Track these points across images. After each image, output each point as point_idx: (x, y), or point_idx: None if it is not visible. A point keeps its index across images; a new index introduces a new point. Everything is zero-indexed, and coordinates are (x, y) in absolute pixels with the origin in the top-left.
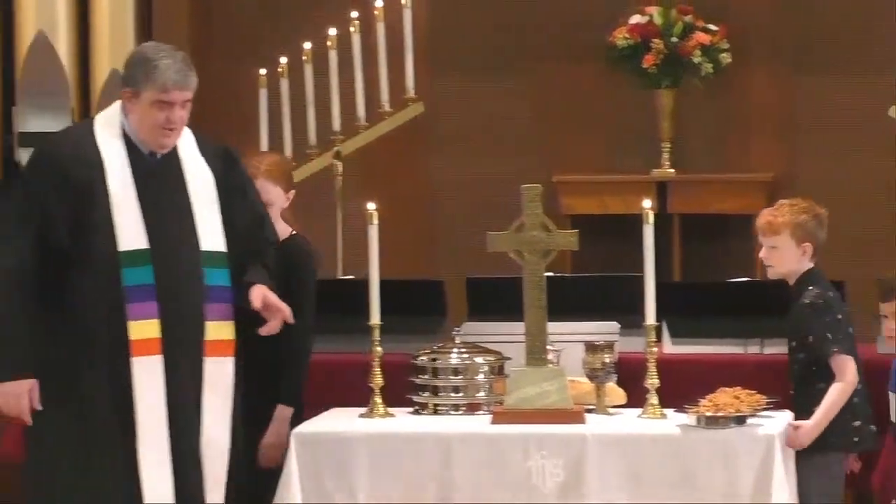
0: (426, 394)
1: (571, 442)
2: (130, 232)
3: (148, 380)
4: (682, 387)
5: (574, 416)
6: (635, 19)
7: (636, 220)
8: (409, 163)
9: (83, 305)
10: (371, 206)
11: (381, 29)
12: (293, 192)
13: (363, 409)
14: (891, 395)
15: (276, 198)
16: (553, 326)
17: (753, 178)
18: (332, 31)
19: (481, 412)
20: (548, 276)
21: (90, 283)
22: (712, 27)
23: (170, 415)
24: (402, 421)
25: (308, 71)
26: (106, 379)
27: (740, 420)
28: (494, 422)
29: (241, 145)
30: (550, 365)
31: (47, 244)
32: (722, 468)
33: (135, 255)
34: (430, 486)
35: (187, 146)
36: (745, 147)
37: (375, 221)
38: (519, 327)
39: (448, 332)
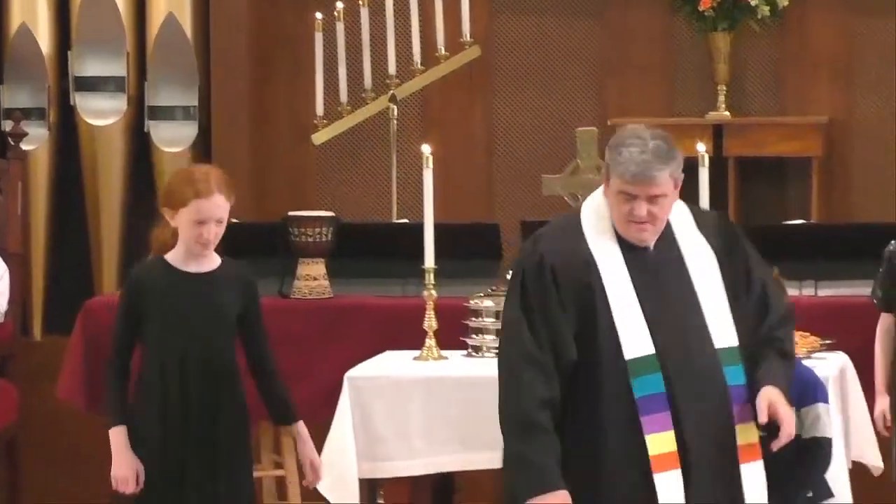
0: (480, 336)
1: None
2: (634, 337)
3: (671, 497)
4: None
5: None
6: None
7: (692, 163)
8: (465, 106)
9: (594, 419)
10: (426, 149)
11: None
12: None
13: (417, 353)
14: (821, 406)
15: (227, 215)
16: None
17: (809, 120)
18: None
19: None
20: None
21: (600, 395)
22: None
23: None
24: (456, 363)
25: (364, 14)
26: (620, 496)
27: None
28: None
29: (299, 90)
30: None
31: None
32: None
33: (642, 363)
34: (485, 428)
35: (684, 226)
36: (801, 90)
37: (430, 165)
38: None
39: (503, 276)
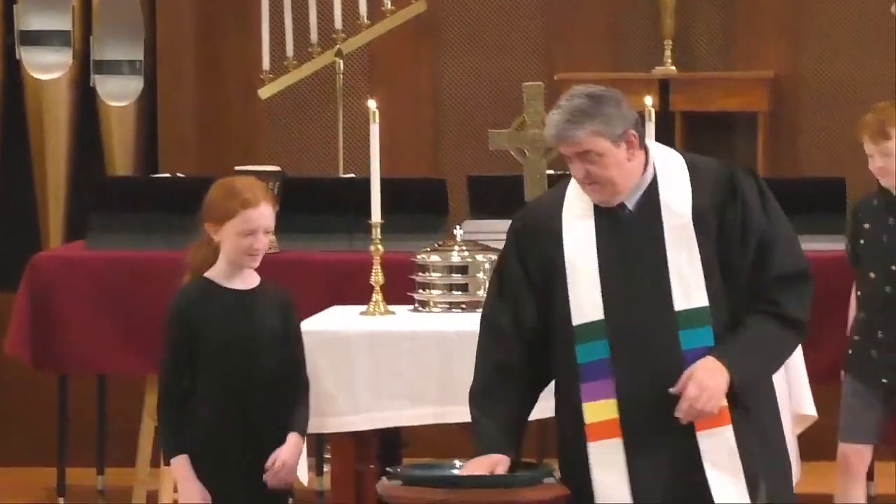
0: (427, 291)
1: None
2: (584, 303)
3: (607, 466)
4: None
5: None
6: None
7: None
8: (412, 61)
9: (557, 388)
10: (372, 104)
11: None
12: None
13: (364, 307)
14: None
15: (273, 225)
16: None
17: (755, 75)
18: None
19: (481, 310)
20: (549, 174)
21: (556, 363)
22: None
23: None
24: (403, 318)
25: None
26: (576, 465)
27: None
28: None
29: (246, 44)
30: None
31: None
32: None
33: (588, 329)
34: (430, 383)
35: (670, 182)
36: (747, 45)
37: (377, 120)
38: None
39: (449, 231)
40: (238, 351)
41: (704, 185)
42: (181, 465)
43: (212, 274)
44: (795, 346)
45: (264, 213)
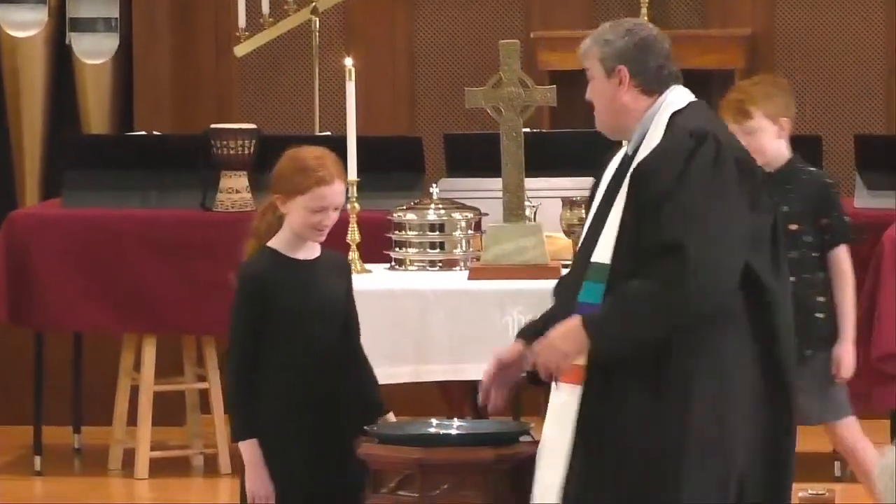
0: (403, 250)
1: (548, 297)
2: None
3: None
4: None
5: (550, 272)
6: None
7: None
8: (388, 18)
9: None
10: (349, 61)
11: None
12: None
13: None
14: None
15: (343, 200)
16: (530, 182)
17: (732, 33)
18: None
19: (458, 268)
20: (525, 132)
21: None
22: None
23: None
24: (380, 277)
25: None
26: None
27: None
28: (471, 277)
29: (221, 2)
30: (528, 221)
31: None
32: None
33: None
34: (407, 342)
35: (651, 135)
36: (723, 2)
37: (353, 77)
38: (496, 183)
39: (426, 189)
40: (309, 321)
41: (663, 146)
42: (251, 450)
43: (275, 244)
44: (665, 319)
45: (337, 191)
